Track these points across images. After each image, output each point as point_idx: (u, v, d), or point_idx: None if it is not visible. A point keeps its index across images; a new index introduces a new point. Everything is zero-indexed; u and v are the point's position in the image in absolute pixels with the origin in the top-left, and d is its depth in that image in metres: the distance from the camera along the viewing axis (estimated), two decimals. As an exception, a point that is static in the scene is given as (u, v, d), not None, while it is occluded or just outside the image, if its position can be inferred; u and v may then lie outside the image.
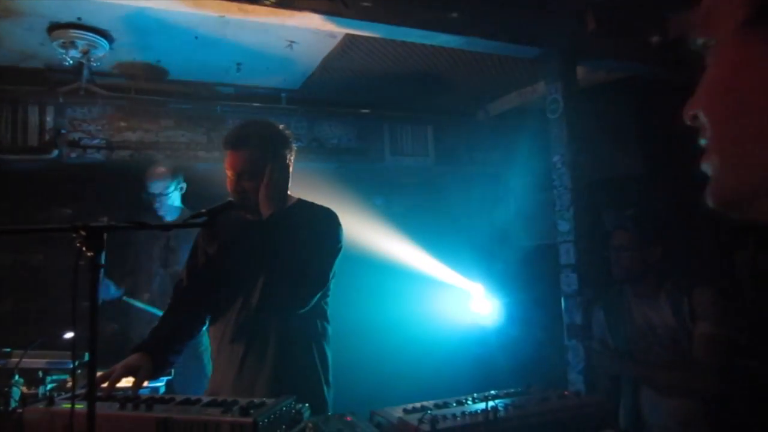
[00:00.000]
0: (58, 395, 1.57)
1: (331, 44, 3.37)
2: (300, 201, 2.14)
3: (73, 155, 3.78)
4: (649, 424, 2.32)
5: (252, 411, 1.34)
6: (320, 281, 2.01)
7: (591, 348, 2.71)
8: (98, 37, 3.12)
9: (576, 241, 3.08)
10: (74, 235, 1.15)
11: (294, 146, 2.12)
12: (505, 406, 1.62)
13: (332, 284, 2.10)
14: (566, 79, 3.24)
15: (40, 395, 1.98)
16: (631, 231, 2.40)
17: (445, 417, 1.53)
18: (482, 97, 4.67)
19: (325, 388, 2.05)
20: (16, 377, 1.98)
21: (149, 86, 3.91)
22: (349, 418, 1.61)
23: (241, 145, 1.99)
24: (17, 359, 2.06)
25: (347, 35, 3.17)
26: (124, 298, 3.45)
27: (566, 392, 1.87)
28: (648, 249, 2.36)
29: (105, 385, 1.71)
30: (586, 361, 2.87)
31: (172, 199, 3.53)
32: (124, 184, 3.62)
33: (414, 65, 3.76)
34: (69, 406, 1.38)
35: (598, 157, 3.72)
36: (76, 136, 3.79)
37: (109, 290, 3.40)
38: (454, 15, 2.88)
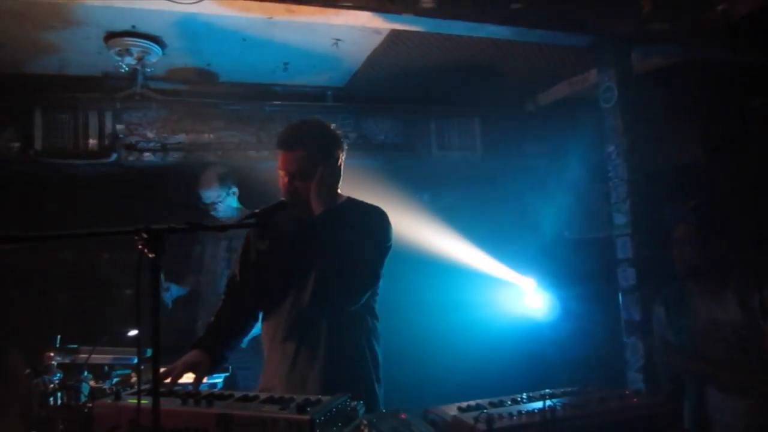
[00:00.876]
0: (123, 390, 1.64)
1: (376, 41, 3.36)
2: (350, 199, 2.15)
3: (131, 158, 3.93)
4: (715, 425, 2.21)
5: (309, 408, 1.36)
6: (371, 279, 2.02)
7: (651, 345, 2.61)
8: (151, 43, 3.23)
9: (633, 235, 2.97)
10: (136, 237, 1.18)
11: (345, 146, 2.13)
12: (563, 406, 1.58)
13: (381, 281, 2.10)
14: (620, 66, 3.12)
15: (106, 390, 2.07)
16: (694, 223, 2.30)
17: (501, 416, 1.50)
18: (531, 87, 4.56)
19: (375, 384, 2.05)
20: (85, 373, 2.07)
21: (200, 89, 4.02)
22: (403, 416, 1.61)
23: (293, 146, 2.00)
24: (85, 355, 2.16)
25: (393, 31, 3.15)
26: None
27: (627, 392, 1.81)
28: (712, 242, 2.25)
29: (167, 381, 1.77)
30: (646, 359, 2.77)
31: (226, 204, 3.61)
32: (178, 186, 3.73)
33: (460, 58, 3.70)
34: (134, 401, 1.43)
35: (656, 146, 3.57)
36: (132, 139, 3.93)
37: (171, 293, 3.53)
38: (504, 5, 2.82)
